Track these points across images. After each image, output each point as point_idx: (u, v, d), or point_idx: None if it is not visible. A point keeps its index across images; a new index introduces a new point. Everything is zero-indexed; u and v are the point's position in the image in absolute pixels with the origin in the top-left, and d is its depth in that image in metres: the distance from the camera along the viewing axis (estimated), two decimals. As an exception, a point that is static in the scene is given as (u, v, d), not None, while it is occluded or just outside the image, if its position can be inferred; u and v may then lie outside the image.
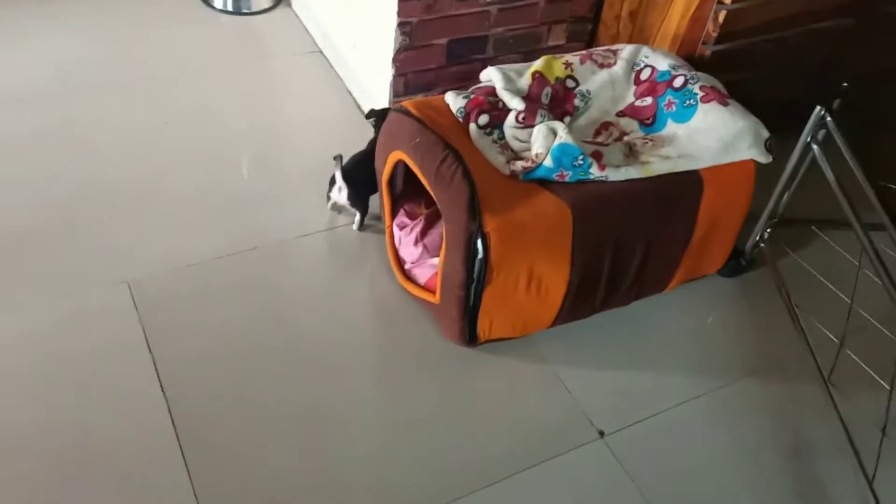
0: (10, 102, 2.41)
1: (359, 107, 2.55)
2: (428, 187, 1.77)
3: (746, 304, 2.10)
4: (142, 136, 2.37)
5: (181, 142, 2.37)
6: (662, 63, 2.02)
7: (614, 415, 1.80)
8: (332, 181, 2.12)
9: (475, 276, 1.70)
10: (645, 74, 2.03)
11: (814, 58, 2.40)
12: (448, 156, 1.75)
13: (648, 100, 1.98)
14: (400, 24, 2.18)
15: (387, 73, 2.30)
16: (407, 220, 2.07)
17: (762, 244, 2.07)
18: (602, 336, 1.96)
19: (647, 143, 1.89)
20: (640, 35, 2.38)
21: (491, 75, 1.97)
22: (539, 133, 1.80)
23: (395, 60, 2.25)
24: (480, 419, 1.79)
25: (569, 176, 1.78)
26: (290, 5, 2.96)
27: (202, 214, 2.16)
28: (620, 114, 2.00)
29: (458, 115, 1.89)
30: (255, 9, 2.92)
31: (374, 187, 2.09)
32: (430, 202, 2.10)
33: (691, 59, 2.17)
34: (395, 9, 2.14)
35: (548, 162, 1.77)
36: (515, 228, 1.68)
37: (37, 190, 2.16)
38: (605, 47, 2.09)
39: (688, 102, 1.93)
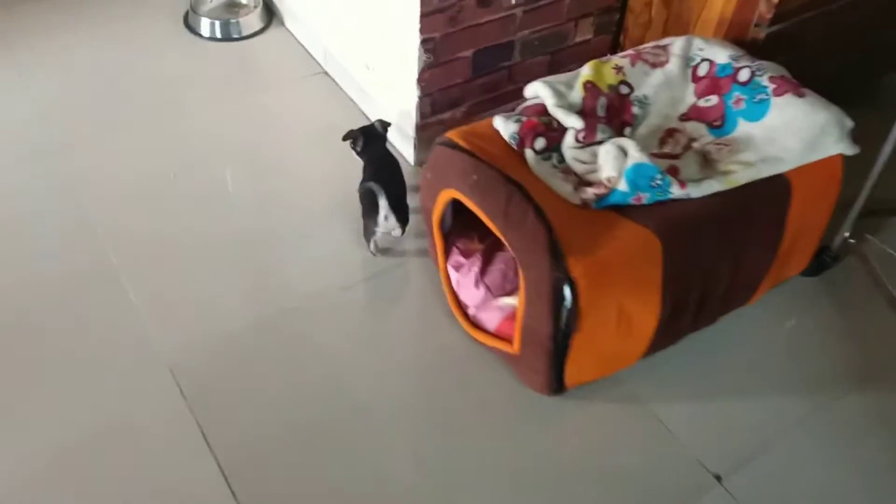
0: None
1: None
2: (496, 230, 1.58)
3: (838, 305, 1.94)
4: (148, 190, 2.15)
5: (193, 192, 2.16)
6: (720, 55, 1.84)
7: (725, 453, 1.64)
8: (369, 213, 1.94)
9: (563, 325, 1.53)
10: (703, 70, 1.84)
11: (858, 28, 2.23)
12: (514, 193, 1.56)
13: (713, 99, 1.79)
14: (423, 42, 1.97)
15: (410, 93, 2.10)
16: (462, 259, 1.89)
17: (851, 239, 1.91)
18: (690, 362, 1.80)
19: (721, 148, 1.71)
20: (676, 22, 2.19)
21: (538, 91, 1.78)
22: (608, 154, 1.62)
23: (419, 80, 2.05)
24: (576, 475, 1.62)
25: (646, 198, 1.60)
26: (282, 24, 2.73)
27: (232, 273, 1.97)
28: (684, 117, 1.82)
29: (512, 141, 1.70)
30: (245, 33, 2.68)
31: (404, 190, 1.96)
32: (483, 235, 1.92)
33: (742, 43, 1.98)
34: (417, 25, 1.94)
35: (622, 186, 1.59)
36: (603, 269, 1.51)
37: (38, 267, 1.95)
38: (653, 43, 1.90)
39: (758, 97, 1.75)
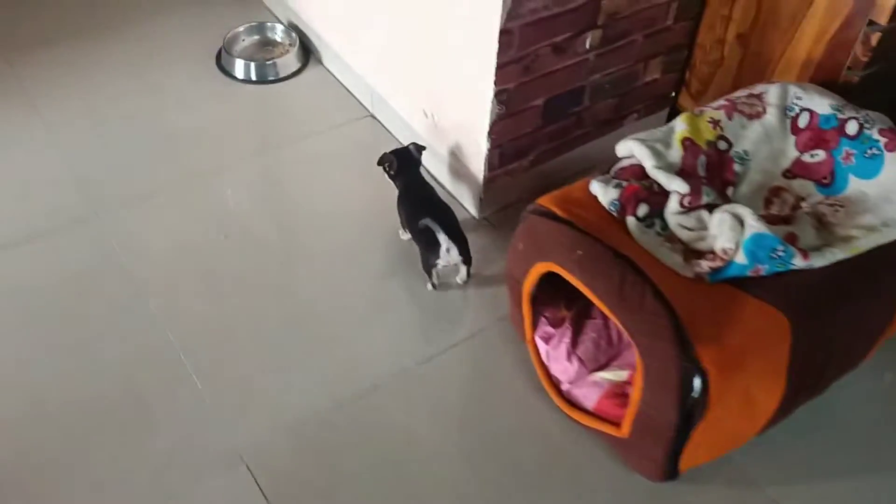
0: (27, 243, 2.02)
1: (435, 179, 2.22)
2: (608, 312, 1.46)
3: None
4: (199, 258, 2.00)
5: (245, 257, 2.02)
6: (820, 104, 1.72)
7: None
8: (429, 249, 1.86)
9: (689, 416, 1.40)
10: (803, 121, 1.72)
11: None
12: (627, 272, 1.44)
13: (820, 154, 1.68)
14: (497, 94, 1.84)
15: (478, 145, 1.97)
16: (551, 330, 1.76)
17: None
18: (803, 437, 1.67)
19: (837, 210, 1.59)
20: (755, 61, 2.07)
21: (634, 151, 1.65)
22: (723, 224, 1.49)
23: (490, 133, 1.92)
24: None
25: (765, 269, 1.47)
26: (320, 63, 2.59)
27: (301, 351, 1.82)
28: (788, 174, 1.70)
29: (612, 208, 1.57)
30: (282, 74, 2.54)
31: (454, 217, 1.93)
32: (570, 302, 1.79)
33: (832, 87, 1.87)
34: (492, 77, 1.80)
35: (740, 258, 1.46)
36: (734, 356, 1.38)
37: (86, 357, 1.79)
38: (745, 91, 1.78)
39: (869, 152, 1.63)
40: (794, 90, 1.76)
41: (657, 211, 1.59)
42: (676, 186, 1.58)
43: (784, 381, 1.48)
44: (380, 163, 2.03)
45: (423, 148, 2.03)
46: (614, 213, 1.57)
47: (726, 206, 1.53)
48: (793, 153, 1.72)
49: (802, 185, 1.67)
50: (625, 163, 1.66)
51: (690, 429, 1.43)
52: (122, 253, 1.99)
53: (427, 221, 1.84)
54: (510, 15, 1.70)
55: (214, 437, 1.65)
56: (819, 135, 1.70)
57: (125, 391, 1.72)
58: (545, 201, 1.60)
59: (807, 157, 1.69)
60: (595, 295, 1.46)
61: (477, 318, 1.90)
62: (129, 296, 1.90)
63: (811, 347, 1.48)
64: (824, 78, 1.91)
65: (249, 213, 2.14)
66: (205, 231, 2.07)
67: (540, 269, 1.60)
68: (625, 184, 1.59)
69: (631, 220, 1.56)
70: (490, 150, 1.96)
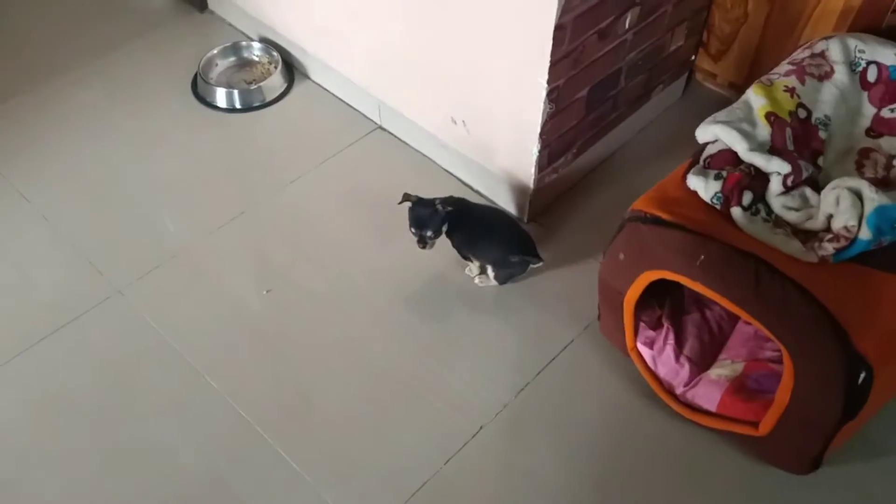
0: (50, 339, 1.77)
1: (470, 187, 2.07)
2: (746, 316, 1.37)
3: None
4: (244, 320, 1.81)
5: (300, 312, 1.83)
6: (885, 55, 1.65)
7: None
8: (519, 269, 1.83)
9: (853, 410, 1.34)
10: (872, 75, 1.66)
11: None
12: (761, 270, 1.35)
13: (900, 107, 1.62)
14: (549, 93, 1.71)
15: (526, 149, 1.83)
16: (651, 334, 1.66)
17: None
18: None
19: (933, 164, 1.55)
20: (783, 14, 2.00)
21: (720, 135, 1.55)
22: (843, 201, 1.41)
23: (542, 134, 1.79)
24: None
25: (887, 241, 1.41)
26: (307, 78, 2.38)
27: (393, 410, 1.67)
28: (872, 133, 1.64)
29: (715, 202, 1.47)
30: (269, 98, 2.32)
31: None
32: (662, 300, 1.70)
33: (877, 33, 1.81)
34: (545, 76, 1.66)
35: (864, 234, 1.39)
36: (894, 341, 1.32)
37: (158, 460, 1.60)
38: (807, 51, 1.70)
39: (949, 98, 1.59)
40: (852, 42, 1.69)
41: (759, 196, 1.50)
42: (777, 167, 1.49)
43: (923, 352, 1.44)
44: (403, 201, 1.80)
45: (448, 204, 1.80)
46: (718, 207, 1.48)
47: (837, 181, 1.45)
48: (870, 110, 1.65)
49: (890, 143, 1.61)
50: (712, 149, 1.56)
51: (850, 421, 1.37)
52: (159, 329, 1.78)
53: (518, 259, 1.84)
54: (564, 8, 1.56)
55: (328, 521, 1.50)
56: (893, 87, 1.64)
57: (216, 491, 1.55)
58: (644, 206, 1.49)
59: (886, 113, 1.63)
60: (730, 300, 1.37)
61: (561, 333, 1.79)
62: (184, 377, 1.70)
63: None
64: (866, 25, 1.85)
65: (285, 261, 1.94)
66: (241, 288, 1.88)
67: (649, 277, 1.50)
68: (725, 173, 1.49)
69: (737, 211, 1.47)
70: (540, 152, 1.83)
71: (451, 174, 2.11)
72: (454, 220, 1.78)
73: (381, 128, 2.24)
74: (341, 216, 2.04)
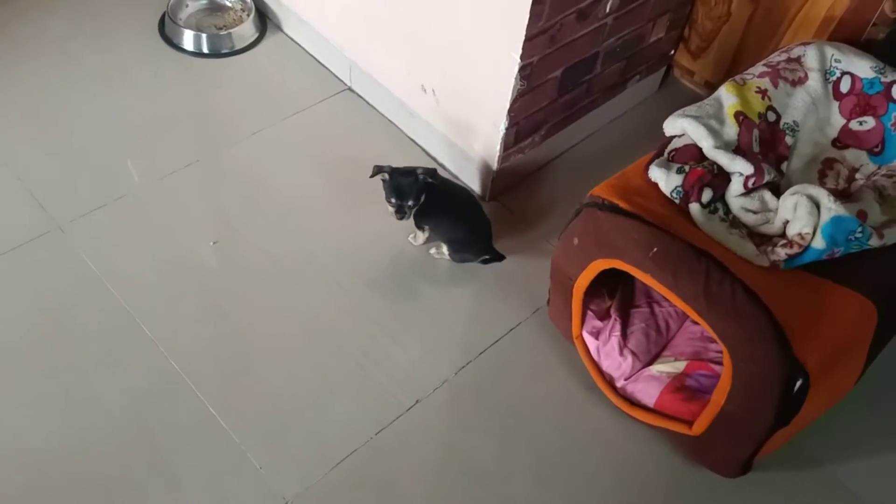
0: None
1: (434, 160, 2.03)
2: (693, 315, 1.35)
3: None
4: (188, 270, 1.76)
5: (247, 268, 1.78)
6: (860, 67, 1.64)
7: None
8: (474, 253, 1.79)
9: (786, 417, 1.33)
10: (845, 85, 1.65)
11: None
12: (711, 269, 1.33)
13: (869, 121, 1.61)
14: (521, 68, 1.67)
15: (493, 124, 1.80)
16: (598, 324, 1.65)
17: None
18: (854, 409, 1.64)
19: (895, 181, 1.54)
20: (767, 18, 1.97)
21: (687, 129, 1.53)
22: (801, 207, 1.40)
23: (510, 111, 1.75)
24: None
25: (839, 252, 1.41)
26: (280, 30, 2.31)
27: (332, 376, 1.63)
28: (838, 143, 1.63)
29: (675, 196, 1.46)
30: (238, 46, 2.24)
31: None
32: (612, 290, 1.68)
33: (855, 44, 1.80)
34: (519, 50, 1.62)
35: (818, 243, 1.38)
36: (833, 351, 1.31)
37: (84, 405, 1.55)
38: (784, 55, 1.68)
39: (919, 117, 1.58)
40: (829, 51, 1.68)
41: (719, 195, 1.49)
42: (739, 167, 1.47)
43: (863, 363, 1.44)
44: (375, 174, 1.74)
45: (434, 171, 1.76)
46: (677, 201, 1.46)
47: (798, 188, 1.44)
48: (839, 121, 1.64)
49: (855, 156, 1.61)
50: (678, 143, 1.54)
51: (782, 427, 1.37)
52: (97, 270, 1.72)
53: (492, 256, 1.82)
54: (544, -18, 1.53)
55: (252, 483, 1.46)
56: (865, 100, 1.63)
57: (139, 442, 1.50)
58: (604, 192, 1.46)
59: (855, 125, 1.63)
60: (678, 295, 1.35)
61: (509, 315, 1.76)
62: (117, 322, 1.65)
63: (890, 326, 1.44)
64: (846, 36, 1.84)
65: (238, 216, 1.88)
66: (189, 237, 1.82)
67: (601, 265, 1.48)
68: (687, 168, 1.47)
69: (695, 208, 1.45)
70: (507, 129, 1.79)
71: (417, 144, 2.07)
72: (430, 193, 1.73)
73: (350, 89, 2.19)
74: (300, 176, 1.98)
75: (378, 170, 1.71)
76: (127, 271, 1.73)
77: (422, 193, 1.71)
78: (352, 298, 1.76)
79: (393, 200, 1.71)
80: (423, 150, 2.06)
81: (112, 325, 1.65)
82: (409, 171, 1.71)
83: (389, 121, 2.11)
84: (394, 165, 1.72)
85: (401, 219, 1.73)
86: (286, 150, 2.03)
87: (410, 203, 1.71)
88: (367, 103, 2.15)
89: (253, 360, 1.64)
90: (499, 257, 1.83)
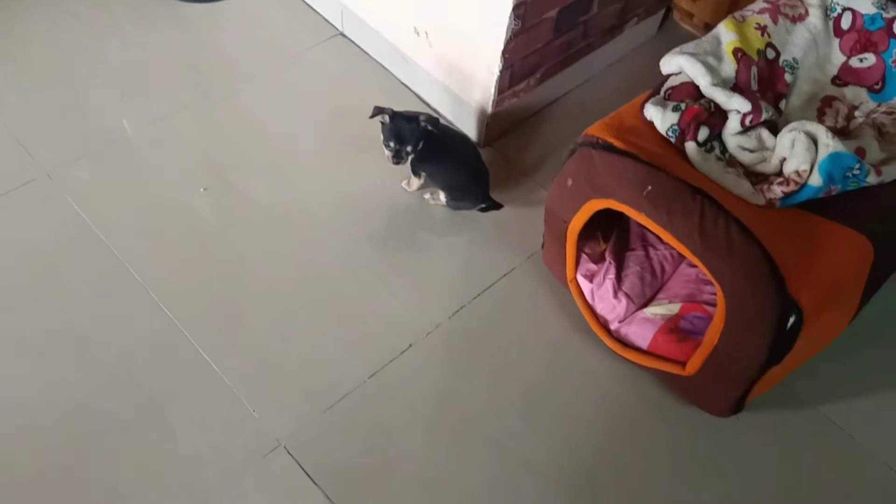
0: None
1: (428, 105, 2.00)
2: (687, 253, 1.33)
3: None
4: (179, 217, 1.74)
5: (237, 215, 1.76)
6: (861, 2, 1.59)
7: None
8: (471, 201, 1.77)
9: (779, 355, 1.33)
10: (846, 22, 1.61)
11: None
12: (706, 207, 1.31)
13: (870, 58, 1.57)
14: (515, 7, 1.63)
15: (487, 67, 1.76)
16: (593, 267, 1.63)
17: None
18: (844, 351, 1.63)
19: (895, 118, 1.50)
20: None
21: (684, 67, 1.49)
22: (798, 144, 1.37)
23: (504, 52, 1.71)
24: (768, 496, 1.47)
25: (836, 190, 1.38)
26: (270, -26, 2.26)
27: (325, 321, 1.62)
28: (838, 81, 1.59)
29: (671, 135, 1.43)
30: (228, -11, 2.21)
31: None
32: (607, 234, 1.67)
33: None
34: (512, -11, 1.59)
35: (815, 180, 1.36)
36: (828, 289, 1.30)
37: (77, 350, 1.54)
38: (784, -10, 1.64)
39: (920, 53, 1.54)
40: (832, -13, 1.64)
41: (716, 134, 1.46)
42: (737, 105, 1.44)
43: (858, 302, 1.43)
44: (374, 115, 1.69)
45: (436, 120, 1.71)
46: (672, 140, 1.43)
47: (795, 124, 1.41)
48: (839, 58, 1.61)
49: (854, 93, 1.57)
50: (675, 81, 1.51)
51: (774, 365, 1.36)
52: (86, 216, 1.70)
53: (489, 205, 1.80)
54: (537, -86, 1.48)
55: (245, 426, 1.46)
56: (866, 36, 1.59)
57: (131, 387, 1.50)
58: (598, 131, 1.44)
59: (855, 62, 1.59)
60: (673, 235, 1.33)
61: (503, 260, 1.75)
62: (107, 268, 1.64)
63: (886, 266, 1.43)
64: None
65: (228, 161, 1.86)
66: (178, 185, 1.80)
67: (594, 206, 1.46)
68: (683, 106, 1.44)
69: (691, 146, 1.42)
70: (502, 72, 1.76)
71: (410, 90, 2.03)
72: (429, 141, 1.69)
73: (342, 34, 2.14)
74: (291, 123, 1.95)
75: (378, 111, 1.66)
76: (116, 218, 1.72)
77: (420, 140, 1.68)
78: (344, 245, 1.75)
79: (391, 144, 1.68)
80: (417, 95, 2.02)
81: (102, 271, 1.63)
82: (412, 117, 1.67)
83: (382, 66, 2.07)
84: (395, 109, 1.69)
85: (397, 163, 1.70)
86: (276, 96, 2.00)
87: (409, 149, 1.68)
88: (360, 48, 2.11)
89: (245, 306, 1.63)
90: (496, 206, 1.81)
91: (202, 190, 1.79)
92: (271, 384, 1.52)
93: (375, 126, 1.68)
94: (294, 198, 1.81)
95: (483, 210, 1.81)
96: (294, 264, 1.70)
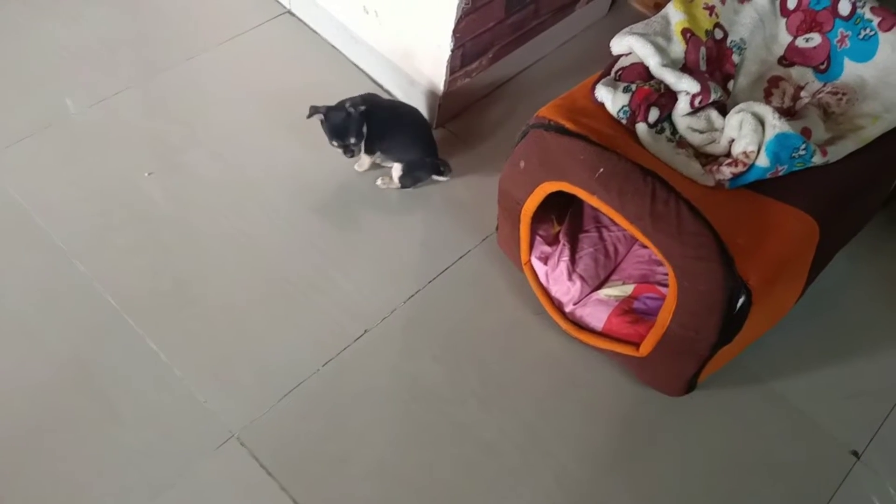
0: None
1: (380, 86, 1.97)
2: (639, 235, 1.34)
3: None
4: (123, 202, 1.68)
5: (185, 198, 1.72)
6: (808, -18, 1.62)
7: (856, 425, 1.58)
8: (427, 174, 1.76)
9: (729, 334, 1.34)
10: (792, 2, 1.62)
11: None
12: (657, 189, 1.32)
13: (816, 37, 1.59)
14: (466, -14, 1.61)
15: (438, 46, 1.74)
16: (547, 249, 1.64)
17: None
18: (793, 328, 1.66)
19: (840, 99, 1.53)
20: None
21: (634, 47, 1.50)
22: (746, 125, 1.39)
23: (455, 31, 1.69)
24: (721, 472, 1.50)
25: (784, 170, 1.41)
26: (214, -50, 2.19)
27: (277, 307, 1.59)
28: (784, 61, 1.61)
29: (622, 116, 1.43)
30: (170, -35, 2.13)
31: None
32: (561, 216, 1.67)
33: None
34: (461, -33, 1.56)
35: (762, 161, 1.38)
36: (775, 268, 1.32)
37: (19, 343, 1.49)
38: (733, -29, 1.64)
39: (864, 33, 1.56)
40: (780, -33, 1.65)
41: (666, 115, 1.47)
42: (686, 86, 1.45)
43: (805, 280, 1.46)
44: (312, 114, 1.66)
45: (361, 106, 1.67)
46: (624, 121, 1.44)
47: (743, 105, 1.43)
48: (785, 38, 1.62)
49: (801, 73, 1.60)
50: (625, 62, 1.51)
51: (725, 345, 1.38)
52: (25, 203, 1.64)
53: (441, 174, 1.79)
54: None
55: (197, 417, 1.44)
56: (812, 16, 1.61)
57: (78, 380, 1.45)
58: (549, 113, 1.43)
59: (801, 42, 1.61)
60: (625, 217, 1.34)
61: (458, 243, 1.74)
62: (48, 257, 1.58)
63: (831, 244, 1.46)
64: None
65: (175, 144, 1.81)
66: (122, 168, 1.74)
67: (547, 188, 1.46)
68: (634, 87, 1.44)
69: (642, 127, 1.43)
70: (453, 51, 1.73)
71: (361, 70, 2.00)
72: (373, 121, 1.67)
73: (290, 12, 2.09)
74: (238, 104, 1.90)
75: (314, 110, 1.64)
76: (57, 205, 1.66)
77: (362, 126, 1.65)
78: (296, 228, 1.72)
79: (335, 143, 1.65)
80: (368, 75, 1.99)
81: (43, 261, 1.58)
82: (340, 108, 1.65)
83: (332, 45, 2.03)
84: (333, 99, 1.65)
85: (351, 157, 1.68)
86: (223, 76, 1.94)
87: (353, 140, 1.66)
88: (308, 27, 2.06)
89: (193, 293, 1.59)
90: (447, 167, 1.80)
91: (147, 174, 1.73)
92: (223, 374, 1.50)
93: (323, 104, 1.65)
94: (244, 181, 1.77)
95: (440, 174, 1.79)
96: (243, 248, 1.67)
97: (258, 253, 1.67)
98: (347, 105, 1.64)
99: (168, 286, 1.59)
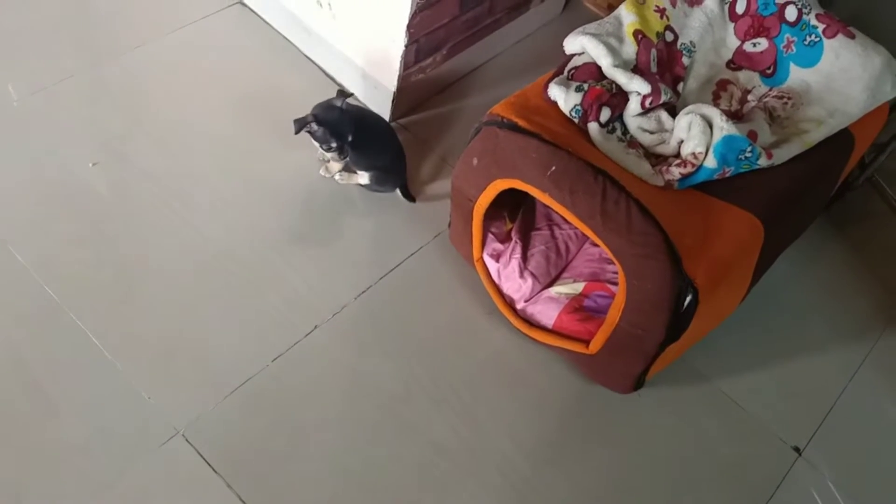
0: None
1: (333, 79, 1.95)
2: (589, 233, 1.35)
3: (862, 238, 1.93)
4: (64, 194, 1.63)
5: (130, 190, 1.67)
6: (757, -13, 1.66)
7: (798, 422, 1.62)
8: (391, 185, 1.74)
9: (676, 333, 1.36)
10: (741, 7, 1.65)
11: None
12: (607, 188, 1.33)
13: (763, 42, 1.62)
14: (420, -19, 1.60)
15: (392, 41, 1.72)
16: (499, 246, 1.64)
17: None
18: (738, 329, 1.70)
19: (786, 103, 1.56)
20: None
21: (587, 47, 1.50)
22: (694, 127, 1.41)
23: (409, 27, 1.68)
24: (667, 467, 1.53)
25: (731, 172, 1.43)
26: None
27: (224, 300, 1.57)
28: (732, 65, 1.64)
29: (574, 115, 1.44)
30: (118, -49, 2.07)
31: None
32: (513, 213, 1.67)
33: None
34: (416, -38, 1.55)
35: (710, 162, 1.40)
36: (721, 268, 1.34)
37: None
38: (684, -25, 1.67)
39: (809, 39, 1.60)
40: (729, -27, 1.68)
41: (618, 115, 1.48)
42: (637, 87, 1.46)
43: (749, 281, 1.49)
44: (298, 130, 1.57)
45: (349, 94, 1.64)
46: (576, 120, 1.45)
47: (692, 107, 1.45)
48: (734, 42, 1.65)
49: (748, 77, 1.63)
50: (578, 61, 1.51)
51: (673, 342, 1.40)
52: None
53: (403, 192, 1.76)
54: None
55: (141, 413, 1.40)
56: (759, 22, 1.64)
57: (15, 373, 1.40)
58: (503, 110, 1.43)
59: (749, 47, 1.64)
60: (576, 215, 1.34)
61: (410, 239, 1.73)
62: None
63: (775, 245, 1.49)
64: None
65: (117, 133, 1.76)
66: (63, 158, 1.69)
67: (500, 186, 1.46)
68: (586, 87, 1.45)
69: (594, 127, 1.44)
70: (407, 46, 1.72)
71: (314, 63, 1.97)
72: (357, 125, 1.62)
73: (241, 3, 2.05)
74: (185, 94, 1.86)
75: (300, 124, 1.54)
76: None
77: (353, 123, 1.61)
78: (244, 222, 1.68)
79: (334, 144, 1.59)
80: (321, 69, 1.96)
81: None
82: (331, 106, 1.58)
83: (284, 37, 2.00)
84: (315, 106, 1.60)
85: (343, 159, 1.64)
86: (170, 66, 1.90)
87: (350, 138, 1.60)
88: (260, 18, 2.03)
89: (137, 286, 1.55)
90: (411, 196, 1.78)
91: (91, 165, 1.68)
92: (167, 369, 1.46)
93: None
94: (190, 173, 1.73)
95: (404, 193, 1.77)
96: (189, 241, 1.63)
97: (204, 246, 1.63)
98: (337, 101, 1.58)
99: (111, 278, 1.55)
